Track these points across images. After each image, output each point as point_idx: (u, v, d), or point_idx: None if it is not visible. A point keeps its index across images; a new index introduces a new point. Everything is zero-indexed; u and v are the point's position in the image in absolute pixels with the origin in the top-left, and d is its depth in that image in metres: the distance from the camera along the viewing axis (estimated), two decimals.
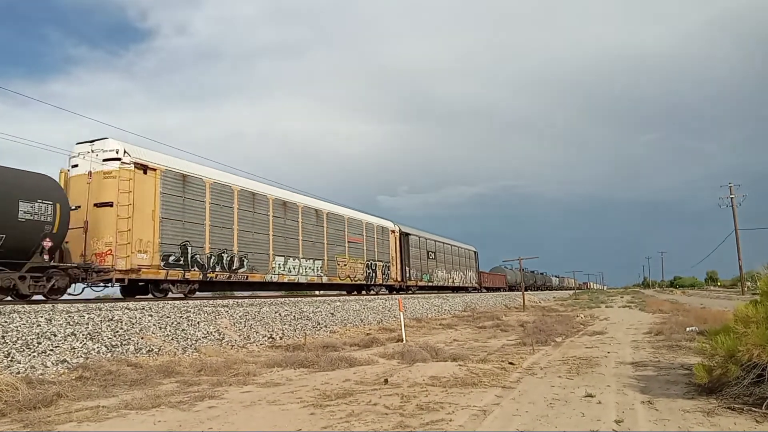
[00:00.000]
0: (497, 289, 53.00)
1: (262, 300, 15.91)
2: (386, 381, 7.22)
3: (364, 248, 25.58)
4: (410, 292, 30.20)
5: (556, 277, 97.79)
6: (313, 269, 20.91)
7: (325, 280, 21.65)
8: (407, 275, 29.89)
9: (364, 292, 26.26)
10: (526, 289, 56.64)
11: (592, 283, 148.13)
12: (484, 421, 5.04)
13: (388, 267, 28.06)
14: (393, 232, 29.43)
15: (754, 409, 5.10)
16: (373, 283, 26.15)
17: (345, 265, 23.46)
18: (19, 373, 7.26)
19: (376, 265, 26.55)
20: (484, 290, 47.64)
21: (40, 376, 7.37)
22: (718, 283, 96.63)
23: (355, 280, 24.37)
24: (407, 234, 30.89)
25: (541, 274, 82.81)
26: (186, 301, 13.20)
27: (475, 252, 45.68)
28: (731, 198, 42.87)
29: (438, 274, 35.20)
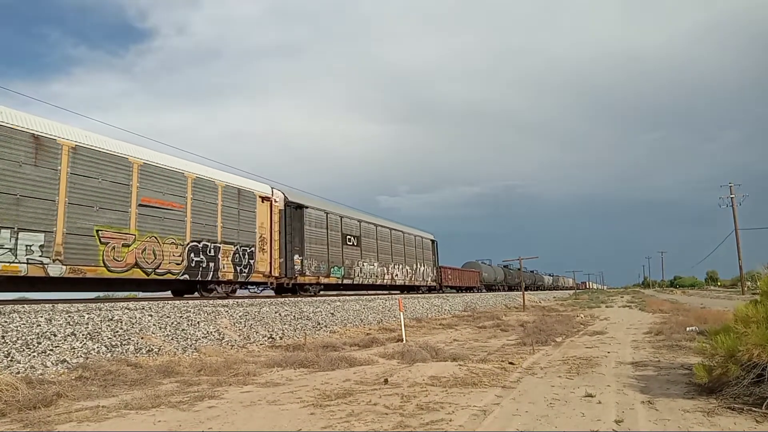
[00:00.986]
0: (468, 289, 43.56)
1: (262, 300, 15.89)
2: (386, 381, 7.22)
3: (188, 219, 15.07)
4: (307, 293, 20.69)
5: (549, 275, 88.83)
6: (15, 251, 10.80)
7: (58, 271, 11.49)
8: (296, 268, 19.59)
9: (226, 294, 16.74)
10: (510, 289, 52.92)
11: (591, 283, 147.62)
12: (484, 421, 5.04)
13: (251, 253, 17.53)
14: (267, 200, 18.73)
15: (754, 409, 5.10)
16: (213, 279, 15.90)
17: (128, 245, 13.25)
18: (18, 373, 7.27)
19: (218, 249, 16.05)
20: (452, 290, 39.75)
21: (40, 376, 7.37)
22: (719, 283, 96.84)
23: (159, 273, 14.07)
24: (301, 206, 20.58)
25: (531, 272, 74.06)
26: (186, 301, 13.18)
27: (432, 241, 36.15)
28: (731, 198, 42.93)
29: (363, 267, 25.23)
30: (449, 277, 39.71)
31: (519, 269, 64.41)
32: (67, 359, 8.14)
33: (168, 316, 11.07)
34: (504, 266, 57.81)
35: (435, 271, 35.98)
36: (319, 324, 14.89)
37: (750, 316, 5.79)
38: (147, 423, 5.22)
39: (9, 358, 7.59)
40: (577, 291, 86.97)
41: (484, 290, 47.93)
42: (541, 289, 73.87)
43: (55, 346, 8.31)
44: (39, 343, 8.19)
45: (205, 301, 13.90)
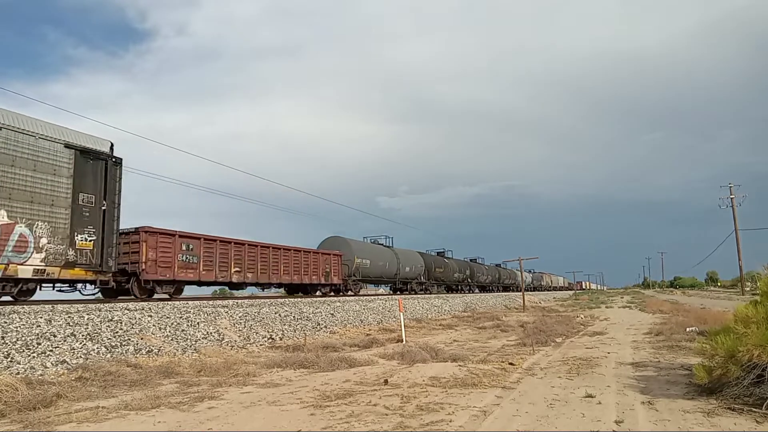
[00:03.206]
0: (294, 289, 22.28)
1: (262, 300, 15.90)
2: (386, 381, 7.22)
3: None
4: None
5: (529, 272, 68.34)
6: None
7: None
8: None
9: None
10: (449, 291, 37.51)
11: (589, 283, 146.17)
12: (484, 422, 5.04)
13: None
14: None
15: (754, 409, 5.09)
16: None
17: None
18: (18, 373, 7.26)
19: None
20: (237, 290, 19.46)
21: (40, 377, 7.36)
22: (719, 284, 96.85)
23: None
24: None
25: (498, 266, 53.62)
26: (186, 302, 13.19)
27: (80, 152, 11.62)
28: (731, 198, 42.91)
29: None
30: (168, 260, 15.36)
31: (474, 260, 43.13)
32: (67, 360, 8.13)
33: (168, 317, 11.07)
34: (437, 253, 39.72)
35: (101, 241, 12.27)
36: (318, 324, 14.89)
37: (750, 317, 5.79)
38: (147, 424, 5.22)
39: (9, 359, 7.58)
40: (576, 292, 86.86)
41: (350, 292, 25.01)
42: (511, 290, 54.54)
43: (55, 347, 8.30)
44: (39, 344, 8.18)
45: (204, 301, 13.96)
